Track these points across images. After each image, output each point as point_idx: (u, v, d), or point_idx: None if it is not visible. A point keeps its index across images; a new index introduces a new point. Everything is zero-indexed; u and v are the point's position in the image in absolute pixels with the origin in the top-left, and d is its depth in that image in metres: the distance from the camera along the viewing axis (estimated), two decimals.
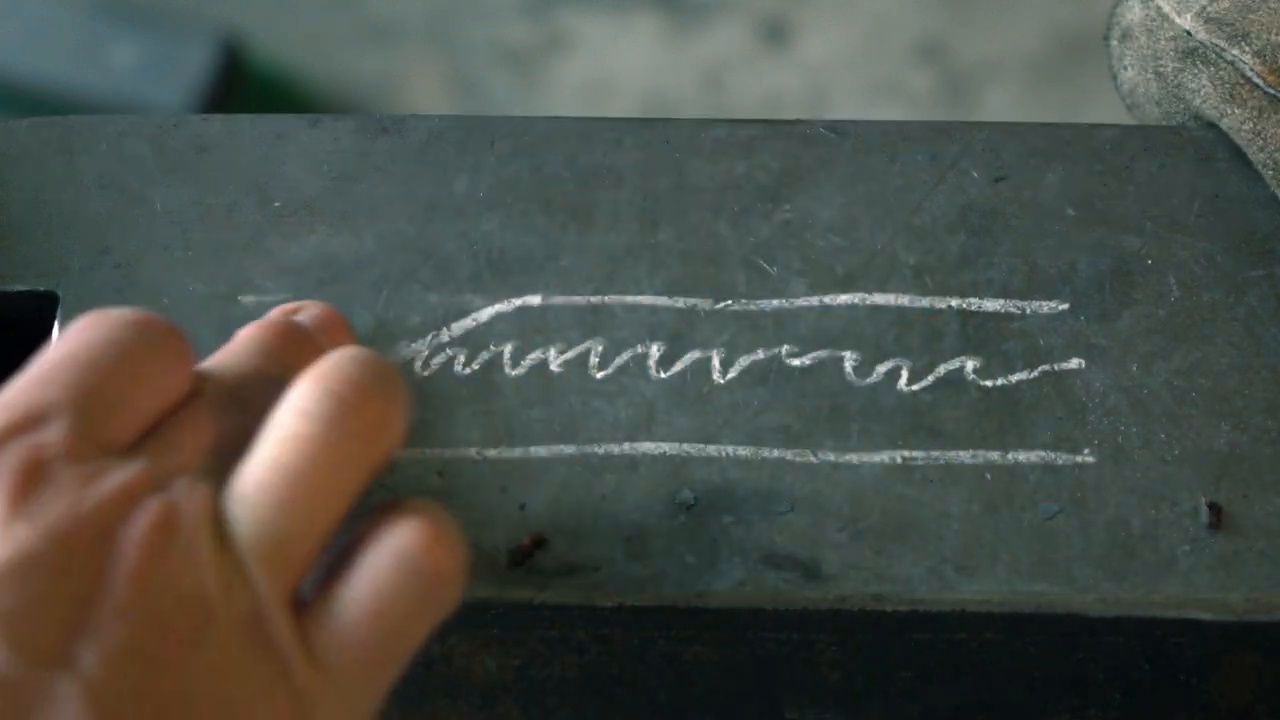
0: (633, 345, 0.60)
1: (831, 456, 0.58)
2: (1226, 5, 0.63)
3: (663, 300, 0.61)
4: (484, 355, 0.60)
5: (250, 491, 0.47)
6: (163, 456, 0.48)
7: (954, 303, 0.61)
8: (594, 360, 0.60)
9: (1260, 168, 0.62)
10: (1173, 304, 0.61)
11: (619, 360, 0.60)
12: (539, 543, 0.57)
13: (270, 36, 1.83)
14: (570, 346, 0.60)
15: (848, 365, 0.60)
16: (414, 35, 1.87)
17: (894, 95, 1.83)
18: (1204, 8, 0.63)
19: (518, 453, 0.58)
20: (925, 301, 0.61)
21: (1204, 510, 0.57)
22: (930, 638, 0.57)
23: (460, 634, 0.57)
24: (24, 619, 0.43)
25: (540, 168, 0.63)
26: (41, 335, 0.60)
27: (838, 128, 0.64)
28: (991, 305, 0.61)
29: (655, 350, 0.60)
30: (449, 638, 0.57)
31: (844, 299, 0.61)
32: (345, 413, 0.49)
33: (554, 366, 0.60)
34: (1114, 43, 0.67)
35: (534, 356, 0.60)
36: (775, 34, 1.86)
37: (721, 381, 0.60)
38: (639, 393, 0.59)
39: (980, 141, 0.64)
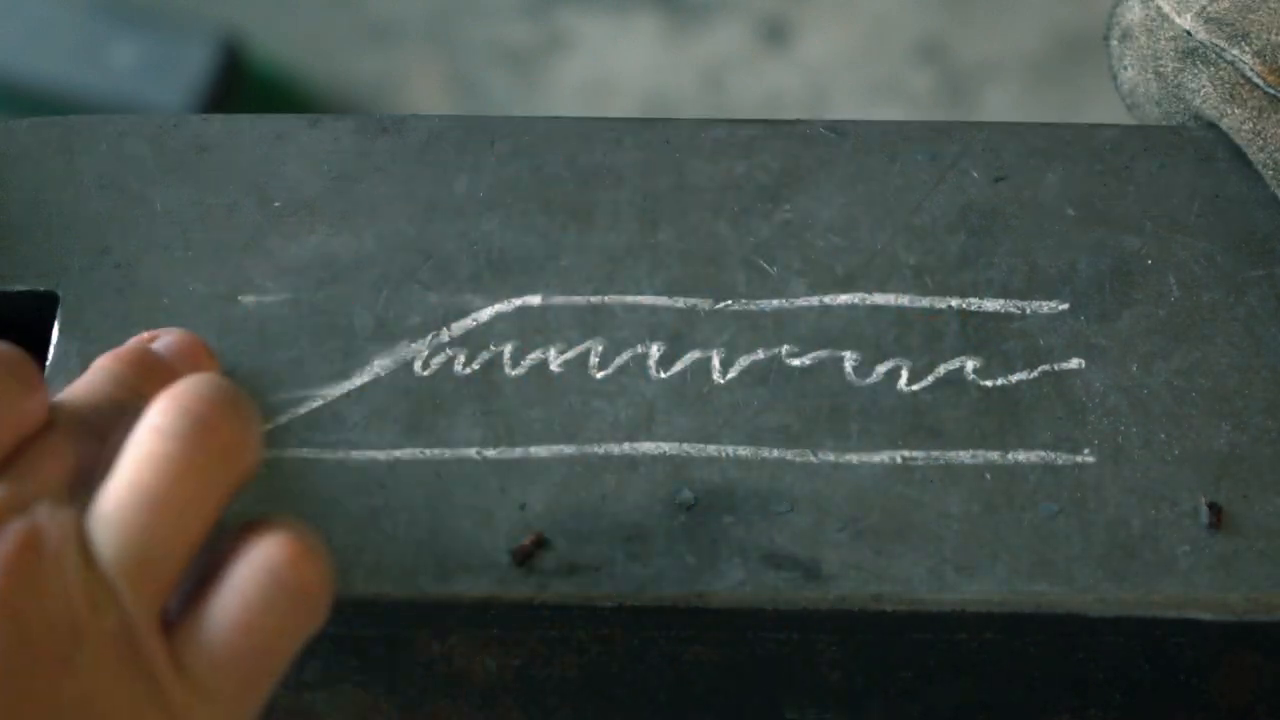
0: (633, 345, 0.60)
1: (831, 456, 0.58)
2: (1226, 5, 0.63)
3: (663, 300, 0.61)
4: (484, 355, 0.60)
5: (112, 511, 0.47)
6: (21, 483, 0.48)
7: (954, 303, 0.61)
8: (594, 360, 0.60)
9: (1260, 168, 0.62)
10: (1173, 304, 0.61)
11: (619, 360, 0.60)
12: (539, 543, 0.57)
13: (270, 36, 1.83)
14: (570, 346, 0.60)
15: (848, 365, 0.60)
16: (414, 35, 1.87)
17: (894, 95, 1.83)
18: (1204, 8, 0.63)
19: (518, 453, 0.58)
20: (925, 301, 0.61)
21: (1204, 510, 0.57)
22: (930, 638, 0.57)
23: (460, 634, 0.57)
24: None
25: (540, 168, 0.63)
26: (42, 335, 0.60)
27: (838, 128, 0.64)
28: (991, 305, 0.61)
29: (655, 350, 0.60)
30: (449, 638, 0.57)
31: (844, 299, 0.61)
32: (202, 430, 0.49)
33: (554, 366, 0.60)
34: (1114, 43, 0.67)
35: (534, 356, 0.60)
36: (775, 34, 1.86)
37: (721, 381, 0.60)
38: (639, 393, 0.59)
39: (980, 141, 0.64)
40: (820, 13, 1.87)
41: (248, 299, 0.61)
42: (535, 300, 0.61)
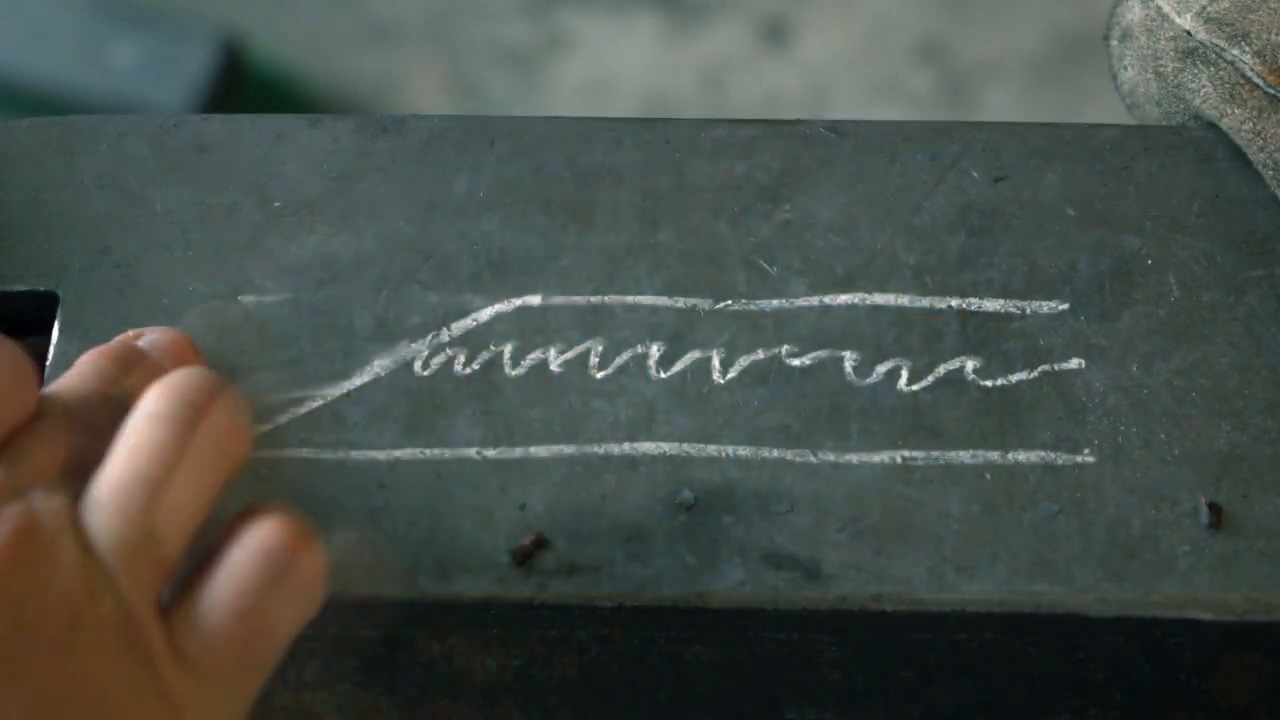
0: (633, 345, 0.60)
1: (831, 456, 0.58)
2: (1226, 5, 0.63)
3: (663, 300, 0.61)
4: (484, 355, 0.60)
5: (107, 496, 0.48)
6: (14, 470, 0.48)
7: (954, 303, 0.61)
8: (594, 360, 0.60)
9: (1260, 168, 0.62)
10: (1173, 304, 0.61)
11: (619, 360, 0.60)
12: (539, 543, 0.57)
13: (270, 36, 1.83)
14: (570, 346, 0.60)
15: (848, 365, 0.60)
16: (414, 35, 1.87)
17: (894, 95, 1.83)
18: (1204, 8, 0.63)
19: (518, 453, 0.58)
20: (925, 301, 0.61)
21: (1204, 510, 0.57)
22: (930, 638, 0.57)
23: (460, 634, 0.57)
24: None
25: (540, 168, 0.63)
26: (42, 335, 0.60)
27: (838, 128, 0.64)
28: (991, 305, 0.61)
29: (655, 350, 0.60)
30: (449, 638, 0.57)
31: (844, 299, 0.61)
32: (196, 416, 0.49)
33: (554, 366, 0.60)
34: (1114, 43, 0.67)
35: (534, 356, 0.60)
36: (775, 34, 1.86)
37: (721, 381, 0.60)
38: (639, 393, 0.59)
39: (980, 141, 0.64)
40: (820, 13, 1.87)
41: (248, 299, 0.61)
42: (535, 300, 0.61)
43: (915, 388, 0.59)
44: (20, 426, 0.49)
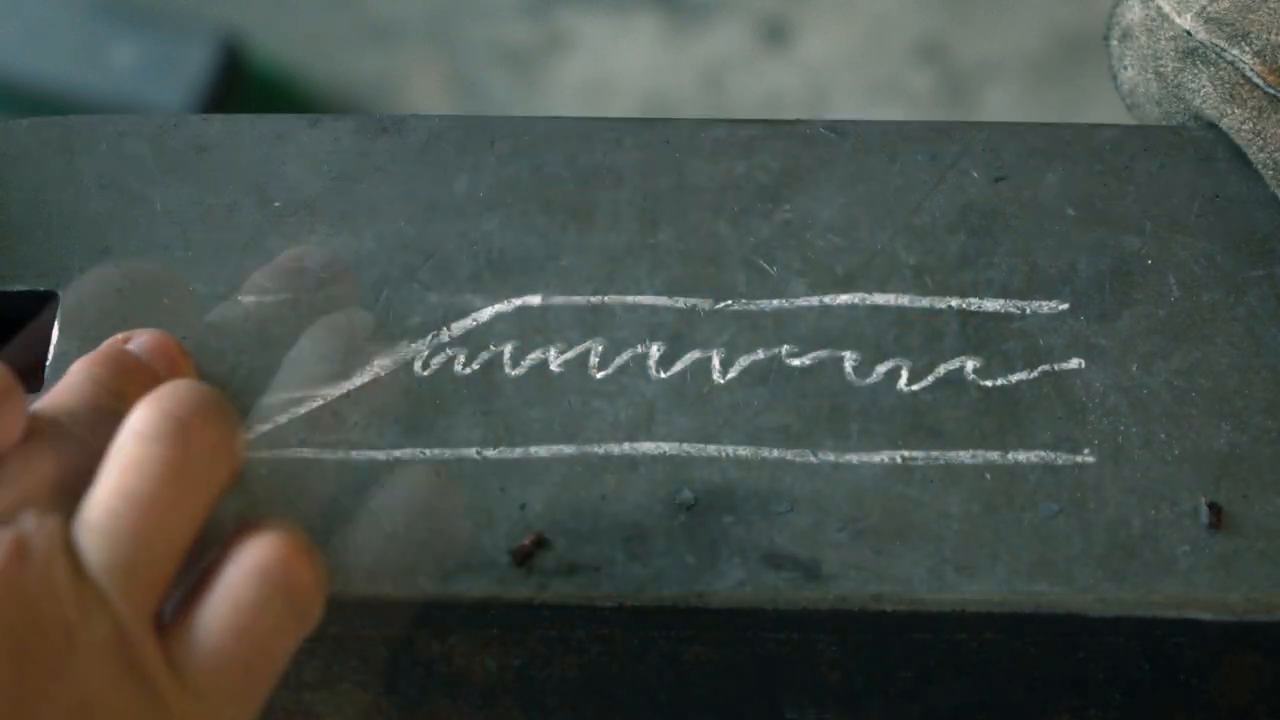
0: (633, 345, 0.60)
1: (831, 456, 0.58)
2: (1226, 5, 0.63)
3: (663, 300, 0.61)
4: (484, 355, 0.60)
5: (99, 518, 0.47)
6: (4, 492, 0.48)
7: (954, 303, 0.61)
8: (594, 360, 0.60)
9: (1260, 168, 0.62)
10: (1173, 304, 0.61)
11: (619, 360, 0.60)
12: (539, 543, 0.57)
13: (270, 36, 1.83)
14: (570, 346, 0.60)
15: (848, 365, 0.60)
16: (414, 35, 1.87)
17: (894, 95, 1.83)
18: (1204, 8, 0.63)
19: (518, 453, 0.58)
20: (925, 301, 0.61)
21: (1204, 510, 0.57)
22: (930, 638, 0.57)
23: (460, 634, 0.57)
24: None
25: (540, 168, 0.63)
26: (42, 335, 0.60)
27: (838, 128, 0.64)
28: (991, 305, 0.61)
29: (655, 350, 0.60)
30: (449, 638, 0.57)
31: (844, 299, 0.61)
32: (184, 433, 0.49)
33: (554, 366, 0.60)
34: (1114, 43, 0.67)
35: (534, 356, 0.60)
36: (775, 34, 1.86)
37: (721, 381, 0.60)
38: (639, 393, 0.59)
39: (980, 141, 0.64)
40: (820, 13, 1.87)
41: (248, 299, 0.61)
42: (535, 300, 0.61)
43: (915, 388, 0.59)
44: (10, 447, 0.49)
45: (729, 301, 0.61)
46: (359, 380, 0.60)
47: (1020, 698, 0.59)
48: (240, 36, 1.74)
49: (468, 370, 0.60)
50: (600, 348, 0.60)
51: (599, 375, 0.60)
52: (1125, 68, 0.67)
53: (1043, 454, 0.58)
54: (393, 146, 0.64)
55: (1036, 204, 0.63)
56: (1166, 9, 0.64)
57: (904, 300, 0.61)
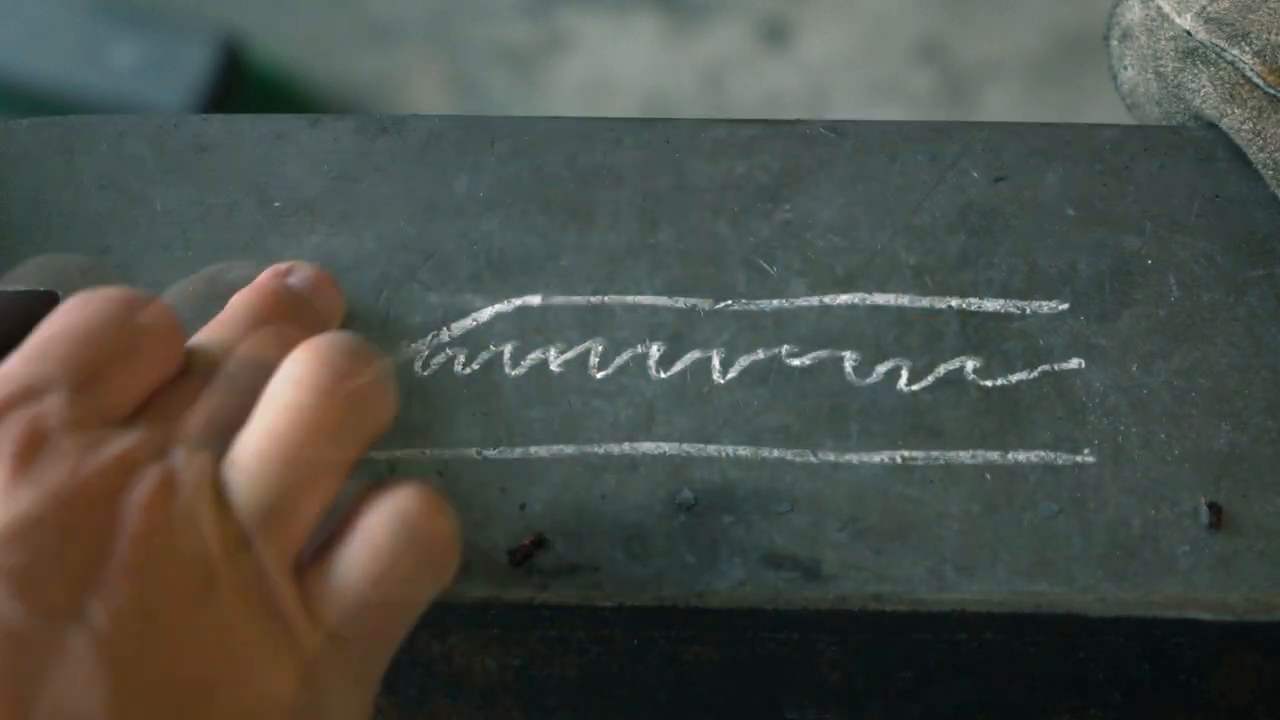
0: (633, 345, 0.60)
1: (831, 456, 0.58)
2: (1226, 5, 0.63)
3: (663, 300, 0.61)
4: (484, 355, 0.60)
5: (249, 460, 0.48)
6: (159, 427, 0.49)
7: (954, 303, 0.61)
8: (594, 360, 0.60)
9: (1260, 168, 0.62)
10: (1173, 304, 0.61)
11: (619, 360, 0.60)
12: (539, 543, 0.57)
13: (270, 36, 1.83)
14: (570, 346, 0.60)
15: (848, 365, 0.60)
16: (414, 35, 1.87)
17: (894, 95, 1.83)
18: (1204, 8, 0.63)
19: (518, 453, 0.58)
20: (925, 301, 0.61)
21: (1204, 510, 0.57)
22: (930, 638, 0.57)
23: (460, 634, 0.57)
24: (34, 575, 0.44)
25: (540, 168, 0.63)
26: None
27: (838, 128, 0.64)
28: (991, 305, 0.61)
29: (655, 350, 0.60)
30: (449, 638, 0.57)
31: (844, 299, 0.61)
32: (340, 382, 0.49)
33: (554, 366, 0.60)
34: (1114, 43, 0.67)
35: (534, 356, 0.60)
36: (775, 34, 1.86)
37: (721, 381, 0.60)
38: (639, 393, 0.59)
39: (980, 141, 0.64)
40: (820, 13, 1.87)
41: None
42: (535, 300, 0.61)
43: (915, 388, 0.59)
44: (166, 382, 0.50)
45: (729, 301, 0.61)
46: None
47: (1020, 698, 0.59)
48: (240, 36, 1.74)
49: (468, 370, 0.60)
50: (600, 348, 0.60)
51: (599, 375, 0.60)
52: (1125, 68, 0.67)
53: (1043, 454, 0.58)
54: (393, 146, 0.64)
55: (1036, 204, 0.63)
56: (1166, 9, 0.64)
57: (904, 300, 0.61)
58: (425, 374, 0.60)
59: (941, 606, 0.56)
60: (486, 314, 0.61)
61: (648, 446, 0.58)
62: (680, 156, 0.64)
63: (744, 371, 0.60)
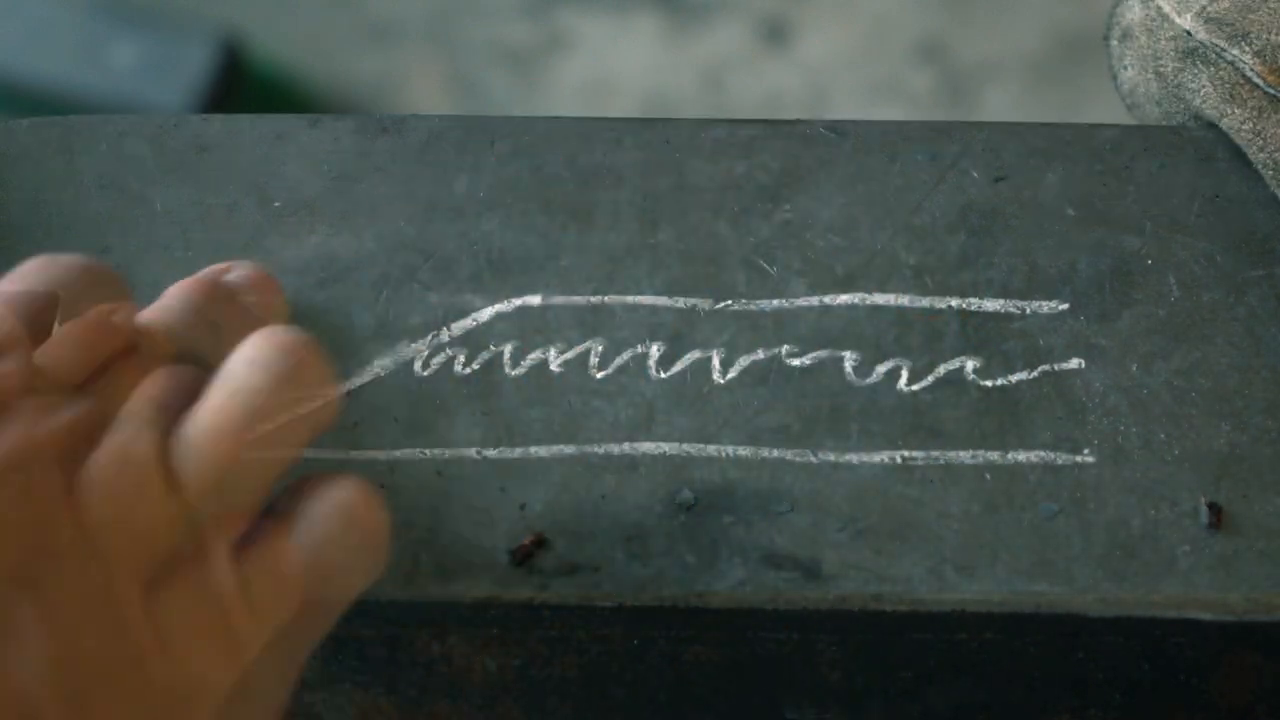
0: (633, 345, 0.60)
1: (831, 456, 0.58)
2: (1226, 5, 0.63)
3: (663, 300, 0.61)
4: (484, 355, 0.60)
5: (199, 436, 0.48)
6: (110, 400, 0.49)
7: (954, 303, 0.61)
8: (594, 360, 0.60)
9: (1260, 168, 0.62)
10: (1173, 304, 0.61)
11: (619, 360, 0.60)
12: (539, 543, 0.57)
13: (270, 36, 1.83)
14: (570, 346, 0.60)
15: (848, 365, 0.60)
16: (414, 35, 1.87)
17: (894, 95, 1.83)
18: (1204, 8, 0.63)
19: (518, 453, 0.58)
20: (925, 301, 0.61)
21: (1204, 510, 0.57)
22: (930, 638, 0.57)
23: (460, 634, 0.57)
24: None
25: (540, 168, 0.63)
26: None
27: (838, 128, 0.64)
28: (991, 305, 0.61)
29: (655, 350, 0.60)
30: (449, 638, 0.57)
31: (844, 299, 0.61)
32: (294, 369, 0.50)
33: (554, 366, 0.60)
34: (1114, 43, 0.67)
35: (534, 356, 0.60)
36: (775, 34, 1.86)
37: (721, 381, 0.60)
38: (639, 393, 0.59)
39: (980, 141, 0.64)
40: (820, 13, 1.87)
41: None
42: (535, 300, 0.61)
43: (915, 388, 0.59)
44: (117, 356, 0.50)
45: (729, 301, 0.61)
46: (359, 380, 0.60)
47: (1020, 698, 0.59)
48: (240, 36, 1.74)
49: (468, 370, 0.60)
50: (600, 348, 0.60)
51: (599, 375, 0.60)
52: (1125, 68, 0.67)
53: (1043, 454, 0.58)
54: (393, 146, 0.64)
55: (1036, 204, 0.63)
56: (1166, 9, 0.64)
57: (904, 300, 0.61)
58: (425, 374, 0.60)
59: (941, 606, 0.56)
60: (486, 314, 0.61)
61: (648, 446, 0.58)
62: (680, 156, 0.64)
63: (744, 371, 0.60)
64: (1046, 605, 0.56)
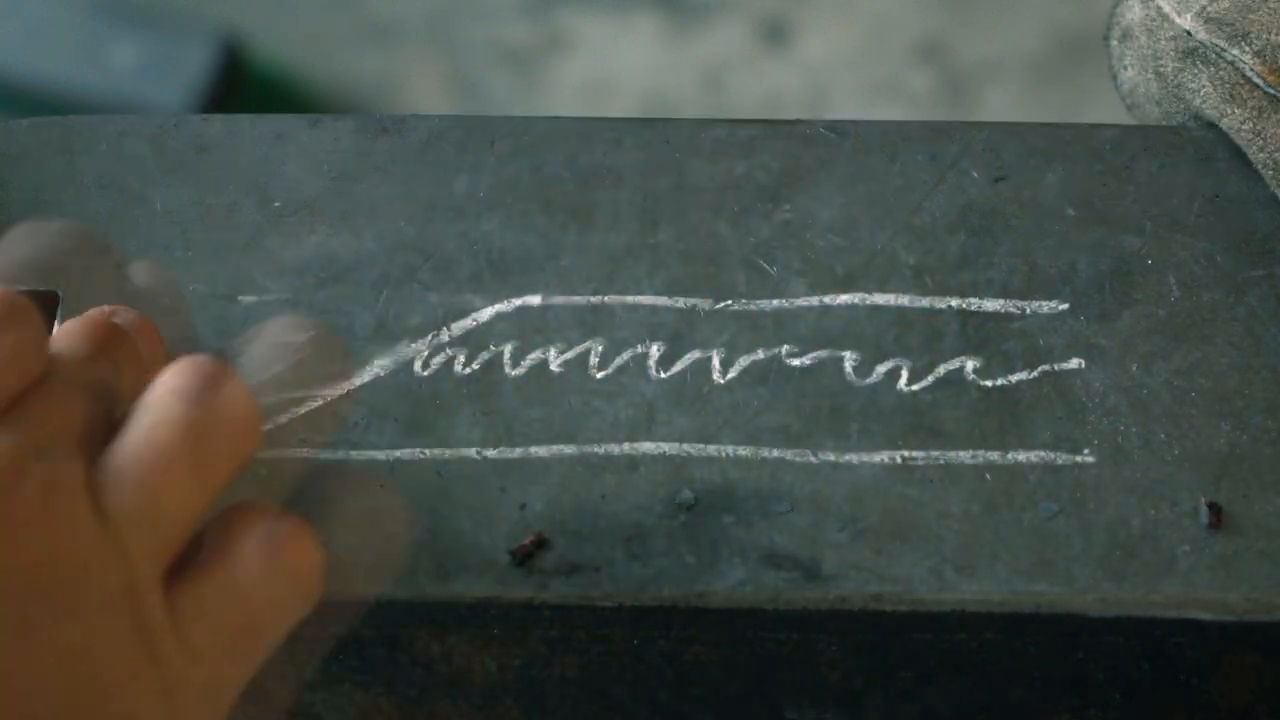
0: (633, 345, 0.60)
1: (831, 456, 0.58)
2: (1226, 5, 0.63)
3: (663, 300, 0.61)
4: (484, 355, 0.60)
5: (125, 467, 0.47)
6: (31, 430, 0.48)
7: (954, 303, 0.61)
8: (594, 360, 0.60)
9: (1260, 168, 0.62)
10: (1173, 304, 0.61)
11: (619, 360, 0.60)
12: (539, 543, 0.57)
13: (270, 36, 1.83)
14: (570, 346, 0.60)
15: (848, 365, 0.60)
16: (414, 35, 1.87)
17: (894, 95, 1.83)
18: (1204, 8, 0.63)
19: (518, 453, 0.58)
20: (925, 301, 0.61)
21: (1204, 510, 0.57)
22: (930, 638, 0.57)
23: (460, 634, 0.57)
24: None
25: (540, 168, 0.63)
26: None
27: (838, 128, 0.64)
28: (991, 305, 0.61)
29: (655, 350, 0.60)
30: (449, 638, 0.57)
31: (844, 299, 0.61)
32: (219, 398, 0.49)
33: (554, 366, 0.60)
34: (1114, 43, 0.67)
35: (534, 356, 0.60)
36: (775, 34, 1.86)
37: (721, 381, 0.60)
38: (639, 393, 0.59)
39: (980, 141, 0.64)
40: (820, 13, 1.87)
41: (248, 299, 0.61)
42: (535, 300, 0.61)
43: (915, 388, 0.59)
44: (31, 387, 0.49)
45: (729, 301, 0.61)
46: (359, 380, 0.60)
47: (1020, 698, 0.59)
48: (240, 36, 1.74)
49: (468, 370, 0.60)
50: (600, 348, 0.60)
51: (599, 375, 0.60)
52: (1125, 68, 0.67)
53: (1043, 454, 0.58)
54: (393, 146, 0.64)
55: (1036, 204, 0.63)
56: (1166, 9, 0.64)
57: (904, 300, 0.61)
58: (425, 374, 0.60)
59: (941, 606, 0.56)
60: (486, 314, 0.61)
61: (648, 446, 0.58)
62: (680, 156, 0.64)
63: (744, 371, 0.60)
64: (1046, 605, 0.56)
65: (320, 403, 0.58)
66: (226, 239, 0.62)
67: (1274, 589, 0.56)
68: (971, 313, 0.61)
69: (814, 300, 0.61)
